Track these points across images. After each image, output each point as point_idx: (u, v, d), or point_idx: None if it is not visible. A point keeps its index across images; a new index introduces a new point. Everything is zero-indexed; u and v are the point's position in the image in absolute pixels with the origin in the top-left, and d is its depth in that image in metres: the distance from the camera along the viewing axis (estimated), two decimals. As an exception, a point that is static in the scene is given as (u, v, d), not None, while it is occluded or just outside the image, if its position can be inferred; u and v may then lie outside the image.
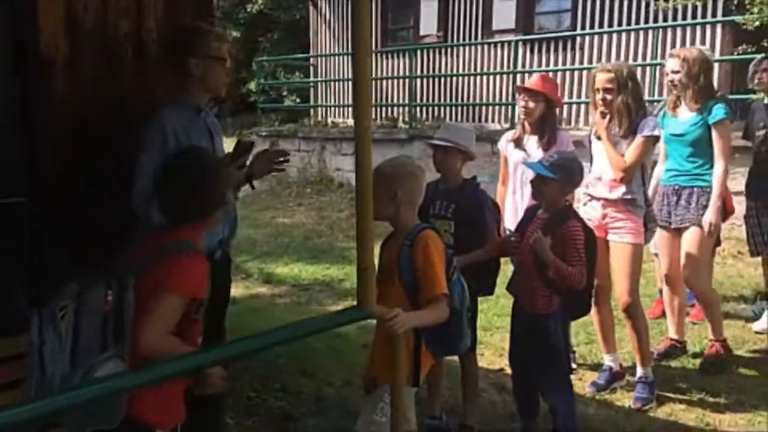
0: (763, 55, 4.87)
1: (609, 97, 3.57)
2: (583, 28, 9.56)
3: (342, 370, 4.06)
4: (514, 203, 3.97)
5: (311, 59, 13.53)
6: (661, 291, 4.79)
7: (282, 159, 2.85)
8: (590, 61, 9.42)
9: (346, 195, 10.02)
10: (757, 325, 4.67)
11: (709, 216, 3.82)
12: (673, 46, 8.51)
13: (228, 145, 2.97)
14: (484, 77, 10.51)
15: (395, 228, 2.53)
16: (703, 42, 8.33)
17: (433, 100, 11.31)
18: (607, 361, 3.89)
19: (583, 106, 9.14)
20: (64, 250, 2.58)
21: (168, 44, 2.76)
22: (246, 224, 8.04)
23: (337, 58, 12.78)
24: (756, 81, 4.75)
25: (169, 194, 2.08)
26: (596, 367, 4.03)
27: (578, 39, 9.54)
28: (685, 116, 3.95)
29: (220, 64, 2.64)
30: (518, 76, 9.81)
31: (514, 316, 3.21)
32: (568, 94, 9.18)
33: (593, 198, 3.73)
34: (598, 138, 3.71)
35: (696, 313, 4.71)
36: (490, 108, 10.51)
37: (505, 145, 4.07)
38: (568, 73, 9.45)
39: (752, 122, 4.85)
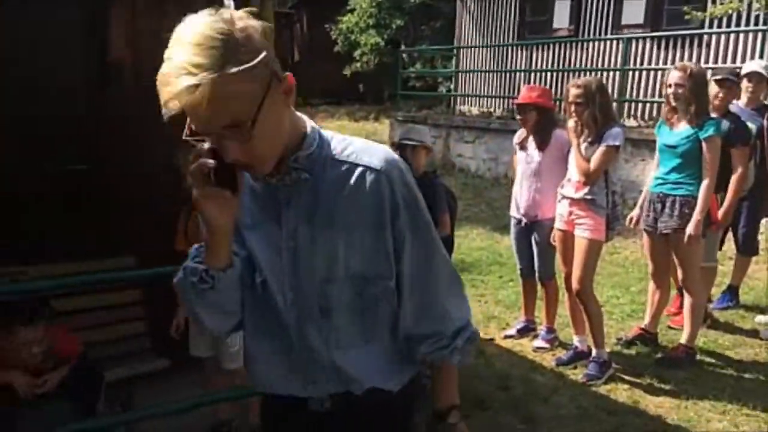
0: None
1: (579, 109, 4.05)
2: (711, 26, 9.31)
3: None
4: (515, 194, 4.64)
5: (455, 50, 14.24)
6: (679, 290, 5.02)
7: None
8: (716, 61, 9.20)
9: (464, 179, 10.77)
10: (765, 333, 4.76)
11: (690, 228, 4.06)
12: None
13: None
14: (609, 73, 10.55)
15: None
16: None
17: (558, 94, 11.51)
18: (575, 341, 4.40)
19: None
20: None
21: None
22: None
23: (478, 50, 13.37)
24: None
25: None
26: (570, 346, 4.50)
27: (705, 37, 9.32)
28: (680, 129, 4.16)
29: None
30: (645, 73, 9.85)
31: None
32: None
33: (564, 197, 4.23)
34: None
35: (678, 320, 4.82)
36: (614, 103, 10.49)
37: (514, 144, 4.72)
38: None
39: None
